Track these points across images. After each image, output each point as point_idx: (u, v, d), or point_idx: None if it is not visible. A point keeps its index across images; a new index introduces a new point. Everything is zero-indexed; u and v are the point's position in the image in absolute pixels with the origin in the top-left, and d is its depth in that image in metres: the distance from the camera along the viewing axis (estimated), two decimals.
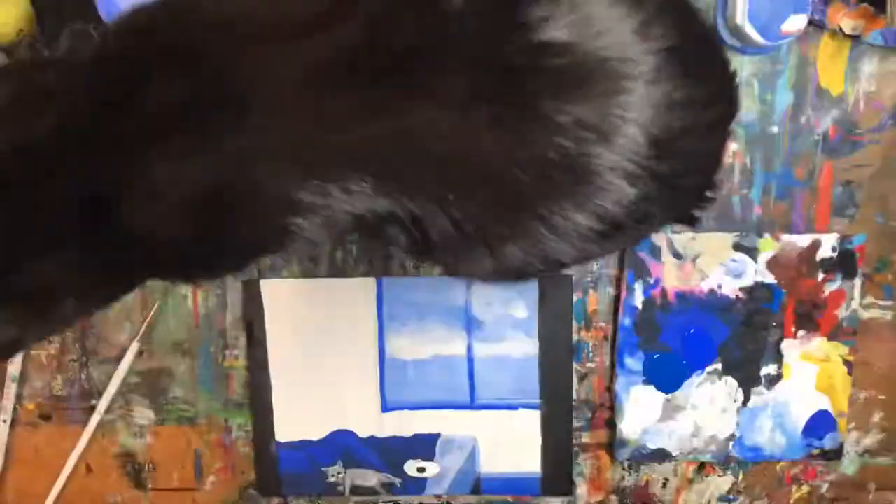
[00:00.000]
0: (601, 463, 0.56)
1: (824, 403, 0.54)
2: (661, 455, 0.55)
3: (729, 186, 0.52)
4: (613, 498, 0.57)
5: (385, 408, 0.54)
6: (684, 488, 0.57)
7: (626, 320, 0.53)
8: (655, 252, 0.52)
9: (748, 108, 0.51)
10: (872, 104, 0.51)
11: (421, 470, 0.55)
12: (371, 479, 0.55)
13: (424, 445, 0.55)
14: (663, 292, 0.53)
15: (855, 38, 0.49)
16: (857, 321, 0.53)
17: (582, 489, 0.57)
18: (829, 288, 0.52)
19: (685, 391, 0.54)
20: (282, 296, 0.53)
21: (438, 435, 0.55)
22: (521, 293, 0.53)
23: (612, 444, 0.56)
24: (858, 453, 0.56)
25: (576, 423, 0.56)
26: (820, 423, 0.54)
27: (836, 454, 0.55)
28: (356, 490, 0.56)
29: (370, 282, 0.53)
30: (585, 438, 0.56)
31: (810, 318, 0.53)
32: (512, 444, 0.55)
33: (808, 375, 0.54)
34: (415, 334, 0.53)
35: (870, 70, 0.50)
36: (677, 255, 0.52)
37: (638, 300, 0.53)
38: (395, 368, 0.54)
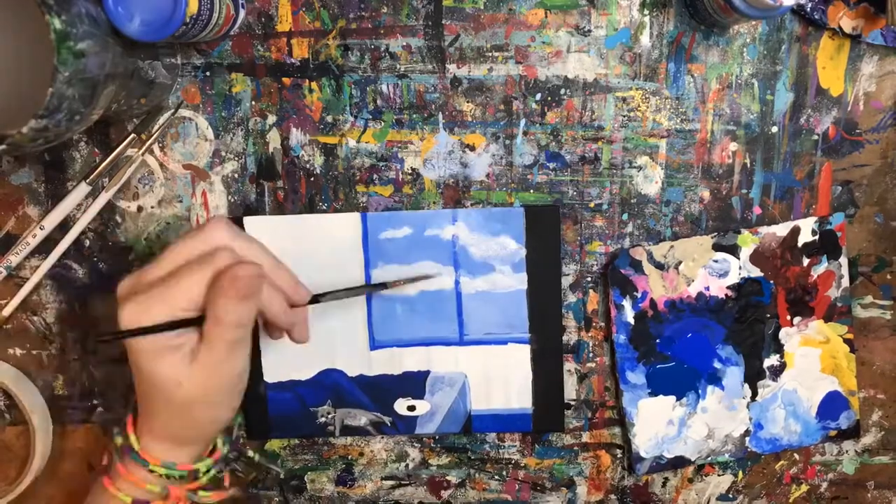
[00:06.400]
0: (601, 463, 0.56)
1: (833, 384, 0.54)
2: (681, 462, 0.55)
3: (729, 186, 0.52)
4: (613, 498, 0.57)
5: (373, 346, 0.54)
6: (684, 487, 0.57)
7: (620, 337, 0.53)
8: (637, 266, 0.52)
9: (748, 108, 0.51)
10: (872, 104, 0.51)
11: (411, 408, 0.55)
12: (361, 418, 0.55)
13: (414, 383, 0.54)
14: (652, 304, 0.52)
15: (855, 38, 0.49)
16: (850, 299, 0.53)
17: (582, 489, 0.57)
18: (817, 271, 0.52)
19: (692, 396, 0.54)
20: (266, 233, 0.52)
21: (428, 372, 0.54)
22: (508, 225, 0.52)
23: (629, 455, 0.56)
24: (858, 452, 0.56)
25: (576, 423, 0.56)
26: (832, 404, 0.54)
27: (853, 432, 0.55)
28: (346, 430, 0.55)
29: (355, 217, 0.52)
30: (585, 438, 0.56)
31: (803, 303, 0.53)
32: (502, 379, 0.54)
33: (811, 360, 0.54)
34: (401, 270, 0.53)
35: (870, 70, 0.50)
36: (659, 266, 0.52)
37: (629, 315, 0.53)
38: (382, 305, 0.53)
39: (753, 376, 0.54)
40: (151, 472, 0.43)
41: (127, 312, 0.40)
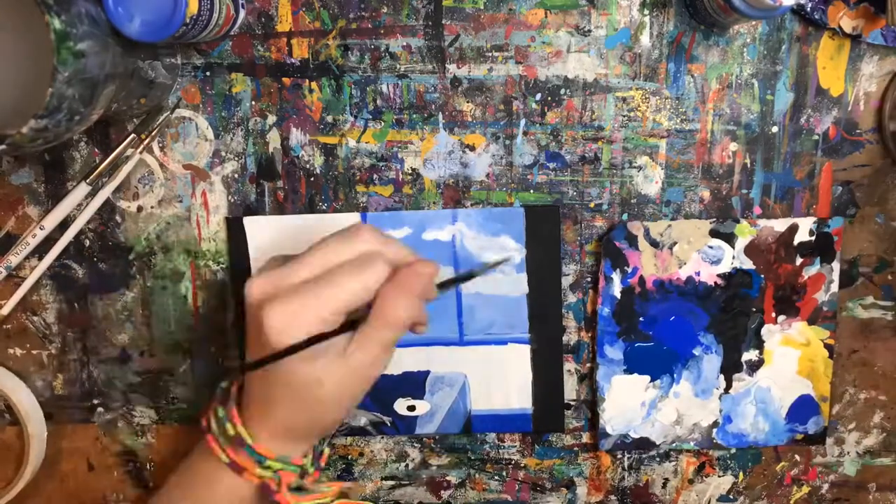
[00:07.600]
0: (601, 463, 0.56)
1: (806, 388, 0.54)
2: (645, 444, 0.55)
3: (729, 186, 0.52)
4: (613, 498, 0.57)
5: None
6: (684, 488, 0.57)
7: (604, 310, 0.53)
8: (632, 240, 0.52)
9: (748, 108, 0.51)
10: (872, 104, 0.51)
11: (411, 408, 0.55)
12: (361, 418, 0.55)
13: (414, 383, 0.54)
14: (641, 280, 0.52)
15: (855, 38, 0.49)
16: (836, 305, 0.53)
17: (582, 489, 0.57)
18: (809, 272, 0.52)
19: (667, 379, 0.54)
20: (266, 233, 0.52)
21: (428, 372, 0.54)
22: (508, 225, 0.52)
23: (595, 430, 0.55)
24: (859, 454, 0.56)
25: (575, 423, 0.56)
26: (803, 408, 0.54)
27: (819, 438, 0.55)
28: (346, 430, 0.55)
29: (355, 217, 0.52)
30: (586, 439, 0.56)
31: (790, 302, 0.53)
32: (502, 380, 0.54)
33: (789, 360, 0.54)
34: None
35: (870, 70, 0.50)
36: (654, 243, 0.52)
37: (616, 289, 0.53)
38: None
39: (730, 368, 0.54)
40: (266, 467, 0.42)
41: (276, 314, 0.38)
